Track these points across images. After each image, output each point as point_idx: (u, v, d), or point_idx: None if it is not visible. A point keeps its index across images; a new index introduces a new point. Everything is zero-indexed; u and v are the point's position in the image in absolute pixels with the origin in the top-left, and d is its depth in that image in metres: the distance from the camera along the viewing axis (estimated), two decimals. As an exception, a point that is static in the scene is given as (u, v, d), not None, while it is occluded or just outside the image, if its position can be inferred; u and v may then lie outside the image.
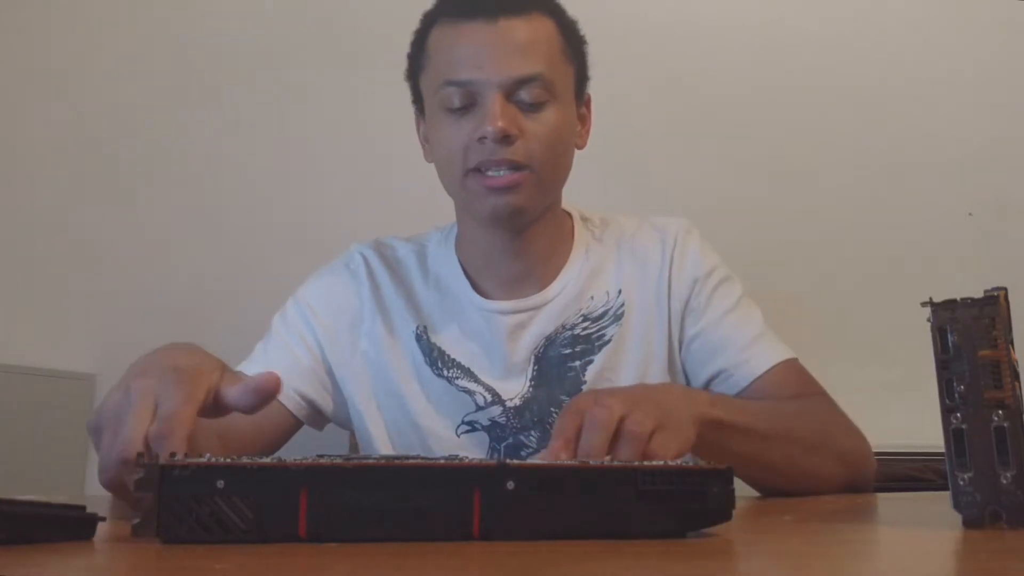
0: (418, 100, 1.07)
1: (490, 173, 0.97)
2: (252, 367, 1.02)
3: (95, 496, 0.79)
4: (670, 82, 1.85)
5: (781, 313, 1.16)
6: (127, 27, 1.87)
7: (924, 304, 0.56)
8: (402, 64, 1.07)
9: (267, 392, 0.63)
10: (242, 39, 1.87)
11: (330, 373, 1.07)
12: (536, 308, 1.06)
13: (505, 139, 0.95)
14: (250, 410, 0.63)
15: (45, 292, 1.79)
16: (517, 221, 1.02)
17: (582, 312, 1.06)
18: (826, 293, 1.78)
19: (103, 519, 0.52)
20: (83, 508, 0.51)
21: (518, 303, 1.06)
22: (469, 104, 0.97)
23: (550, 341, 1.05)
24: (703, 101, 1.87)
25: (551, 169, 1.00)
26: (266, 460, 0.49)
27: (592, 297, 1.07)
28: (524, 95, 0.97)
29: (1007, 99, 1.88)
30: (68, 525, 0.50)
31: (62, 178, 1.83)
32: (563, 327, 1.05)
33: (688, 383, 1.06)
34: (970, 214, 1.85)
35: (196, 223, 1.82)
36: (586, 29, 1.07)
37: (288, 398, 1.02)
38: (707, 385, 1.05)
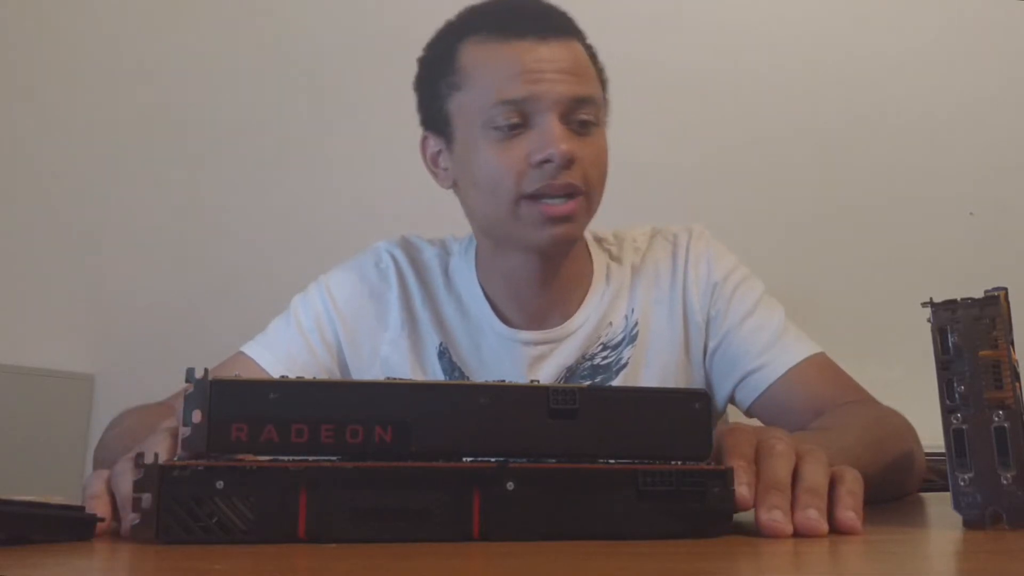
0: (437, 122, 0.99)
1: (548, 201, 0.92)
2: (267, 355, 1.00)
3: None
4: (666, 82, 1.85)
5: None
6: (136, 32, 1.87)
7: (924, 304, 0.56)
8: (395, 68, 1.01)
9: None
10: (240, 39, 1.87)
11: (346, 375, 1.04)
12: (559, 340, 1.02)
13: (569, 162, 0.91)
14: None
15: (45, 292, 1.79)
16: (565, 250, 0.98)
17: (602, 341, 1.03)
18: (826, 293, 1.78)
19: (102, 520, 0.52)
20: (82, 508, 0.52)
21: (542, 334, 1.02)
22: (520, 125, 0.92)
23: (571, 372, 1.02)
24: (699, 102, 1.87)
25: (598, 195, 0.97)
26: (266, 460, 0.49)
27: (611, 323, 1.04)
28: (578, 117, 0.93)
29: (1008, 99, 1.87)
30: (67, 525, 0.50)
31: (62, 178, 1.83)
32: (583, 357, 1.02)
33: (712, 392, 1.03)
34: (971, 214, 1.85)
35: (196, 223, 1.82)
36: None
37: None
38: (733, 391, 1.02)
